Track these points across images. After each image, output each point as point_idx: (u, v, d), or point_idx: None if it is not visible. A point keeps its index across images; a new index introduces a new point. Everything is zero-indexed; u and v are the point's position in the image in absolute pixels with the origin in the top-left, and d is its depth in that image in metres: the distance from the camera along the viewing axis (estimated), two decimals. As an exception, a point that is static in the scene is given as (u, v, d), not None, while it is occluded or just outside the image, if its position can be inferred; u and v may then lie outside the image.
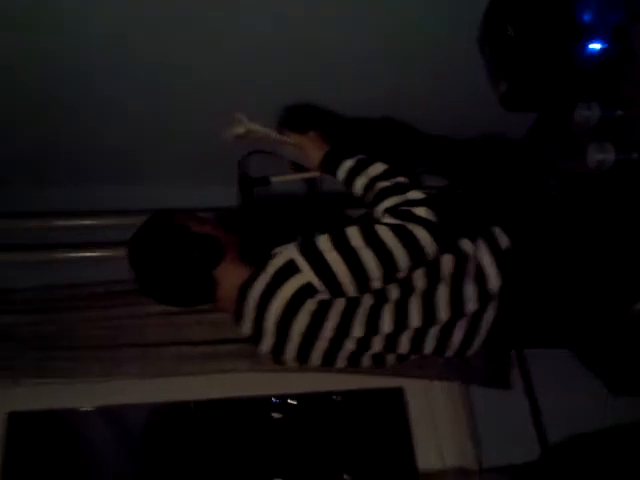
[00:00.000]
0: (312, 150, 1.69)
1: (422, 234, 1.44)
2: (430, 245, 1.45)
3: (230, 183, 1.95)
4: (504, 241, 1.58)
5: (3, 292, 2.11)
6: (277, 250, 1.51)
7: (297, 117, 2.06)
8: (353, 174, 1.60)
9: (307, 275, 1.43)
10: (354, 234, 1.45)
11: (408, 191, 1.51)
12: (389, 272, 1.45)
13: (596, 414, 2.08)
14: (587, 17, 1.43)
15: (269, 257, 1.50)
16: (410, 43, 1.85)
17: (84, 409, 2.16)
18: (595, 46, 1.46)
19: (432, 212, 1.47)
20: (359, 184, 1.59)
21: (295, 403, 2.43)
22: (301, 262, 1.43)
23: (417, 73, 1.99)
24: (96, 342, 2.05)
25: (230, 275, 1.55)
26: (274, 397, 2.41)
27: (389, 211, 1.49)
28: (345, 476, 2.40)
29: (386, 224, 1.46)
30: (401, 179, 1.54)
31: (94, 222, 2.29)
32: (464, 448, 2.09)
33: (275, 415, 2.44)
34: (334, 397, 2.44)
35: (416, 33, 1.82)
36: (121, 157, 2.25)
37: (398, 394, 2.20)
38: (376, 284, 1.46)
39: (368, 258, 1.43)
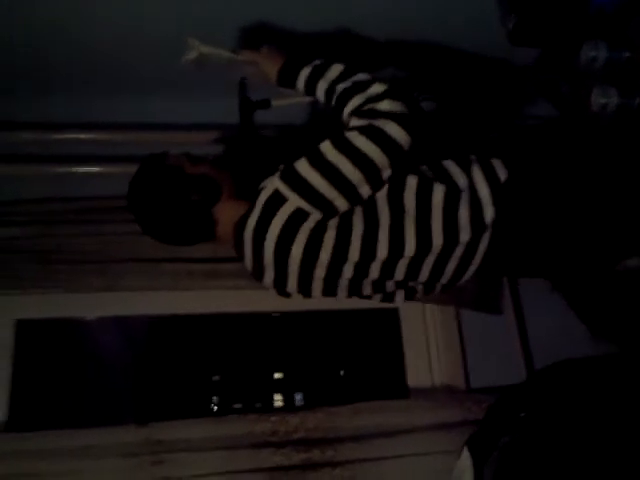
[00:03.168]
0: (268, 66, 1.66)
1: (391, 127, 1.45)
2: (402, 136, 1.45)
3: (231, 97, 1.90)
4: (502, 173, 1.58)
5: (5, 204, 2.13)
6: (263, 184, 1.52)
7: (259, 35, 1.98)
8: (312, 82, 1.58)
9: (294, 201, 1.45)
10: (327, 148, 1.46)
11: (368, 87, 1.50)
12: (371, 174, 1.46)
13: (585, 343, 2.13)
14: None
15: (258, 192, 1.51)
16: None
17: (88, 318, 2.24)
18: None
19: (397, 102, 1.46)
20: (320, 91, 1.58)
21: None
22: (285, 190, 1.45)
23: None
24: (96, 256, 2.09)
25: (227, 212, 1.58)
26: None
27: (354, 113, 1.49)
28: (341, 372, 2.50)
29: (354, 127, 1.46)
30: (360, 76, 1.53)
31: (95, 136, 2.27)
32: (453, 368, 2.18)
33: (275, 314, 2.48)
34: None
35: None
36: (120, 70, 2.19)
37: (393, 314, 2.27)
38: (363, 190, 1.47)
39: (346, 167, 1.44)
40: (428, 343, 2.23)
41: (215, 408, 2.44)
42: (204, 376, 2.44)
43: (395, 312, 2.27)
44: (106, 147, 2.25)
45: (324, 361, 2.52)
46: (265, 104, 1.86)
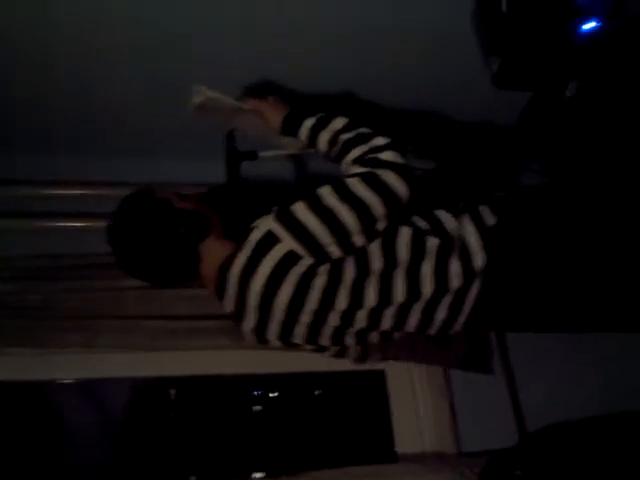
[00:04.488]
0: (272, 114, 1.68)
1: (391, 177, 1.45)
2: (401, 186, 1.46)
3: (218, 157, 1.92)
4: (490, 219, 1.57)
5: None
6: (255, 223, 1.50)
7: (264, 86, 2.02)
8: (315, 131, 1.60)
9: (287, 243, 1.42)
10: (326, 193, 1.46)
11: (372, 139, 1.52)
12: (367, 223, 1.45)
13: (576, 403, 2.08)
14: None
15: (249, 231, 1.48)
16: (399, 14, 1.79)
17: (65, 381, 2.15)
18: (589, 25, 1.45)
19: (398, 154, 1.49)
20: (322, 140, 1.59)
21: (276, 395, 2.42)
22: (279, 231, 1.43)
23: (404, 48, 1.93)
24: (78, 312, 2.04)
25: (213, 251, 1.55)
26: (255, 387, 2.41)
27: (356, 161, 1.50)
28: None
29: (355, 175, 1.47)
30: (363, 129, 1.55)
31: (80, 192, 2.27)
32: (443, 432, 2.10)
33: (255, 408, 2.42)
34: (315, 392, 2.44)
35: (406, 6, 1.77)
36: (108, 129, 2.21)
37: (380, 377, 2.20)
38: (358, 240, 1.46)
39: (344, 213, 1.43)
40: (416, 405, 2.15)
41: None
42: (183, 450, 2.32)
43: (382, 374, 2.20)
44: (89, 203, 2.23)
45: (308, 426, 2.40)
46: (252, 155, 1.87)
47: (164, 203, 1.56)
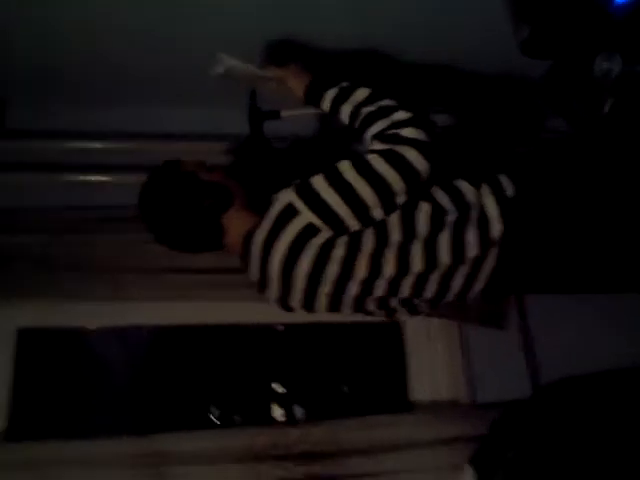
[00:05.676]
0: (294, 83, 1.66)
1: (412, 154, 1.44)
2: (422, 164, 1.45)
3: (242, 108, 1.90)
4: (510, 189, 1.58)
5: (14, 212, 2.12)
6: (276, 196, 1.52)
7: (286, 51, 2.02)
8: (337, 103, 1.59)
9: (306, 216, 1.44)
10: (346, 168, 1.46)
11: (393, 113, 1.50)
12: (386, 198, 1.46)
13: (590, 358, 2.12)
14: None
15: (270, 204, 1.51)
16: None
17: (90, 328, 2.22)
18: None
19: (420, 130, 1.47)
20: (345, 112, 1.58)
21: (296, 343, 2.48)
22: (299, 204, 1.45)
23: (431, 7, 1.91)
24: (101, 265, 2.08)
25: (236, 222, 1.58)
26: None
27: (377, 137, 1.49)
28: (344, 387, 2.48)
29: (376, 151, 1.47)
30: (386, 101, 1.53)
31: (106, 145, 2.28)
32: (458, 383, 2.16)
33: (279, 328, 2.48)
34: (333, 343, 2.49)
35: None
36: (134, 78, 2.20)
37: (397, 328, 2.25)
38: (377, 213, 1.47)
39: (363, 188, 1.44)
40: (432, 357, 2.20)
41: (214, 420, 2.40)
42: (204, 387, 2.41)
43: (398, 326, 2.25)
44: (117, 156, 2.25)
45: (326, 374, 2.48)
46: (274, 115, 1.86)
47: (190, 175, 1.59)
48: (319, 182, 1.46)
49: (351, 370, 2.45)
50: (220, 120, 2.25)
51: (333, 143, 2.12)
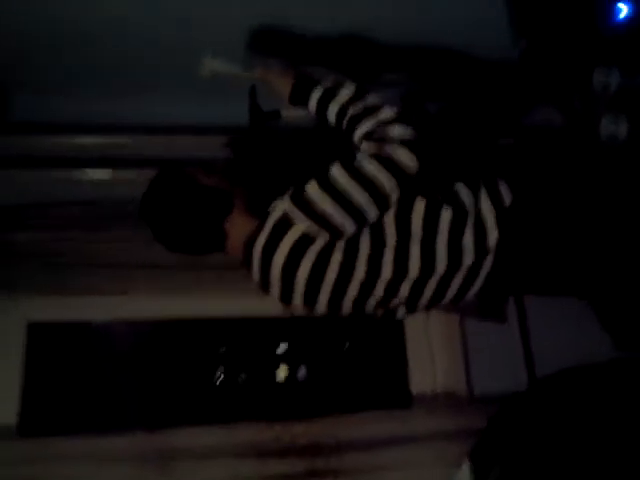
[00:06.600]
0: (279, 84, 1.69)
1: (401, 152, 1.47)
2: (411, 161, 1.48)
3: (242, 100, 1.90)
4: (507, 196, 1.59)
5: (20, 208, 2.14)
6: (273, 205, 1.55)
7: (271, 43, 2.04)
8: (323, 105, 1.61)
9: (303, 224, 1.47)
10: (338, 172, 1.48)
11: (379, 111, 1.52)
12: (379, 199, 1.48)
13: (587, 353, 2.15)
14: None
15: (268, 214, 1.53)
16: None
17: (99, 321, 2.27)
18: (622, 10, 1.40)
19: (406, 127, 1.49)
20: (331, 114, 1.60)
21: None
22: (295, 212, 1.47)
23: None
24: (108, 261, 2.12)
25: (237, 227, 1.60)
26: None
27: (365, 137, 1.51)
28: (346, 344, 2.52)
29: (365, 152, 1.49)
30: (370, 99, 1.56)
31: (110, 140, 2.29)
32: (456, 375, 2.21)
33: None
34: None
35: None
36: (137, 71, 2.21)
37: (397, 322, 2.29)
38: (371, 214, 1.49)
39: (355, 192, 1.46)
40: (431, 350, 2.26)
41: (219, 382, 2.46)
42: (209, 348, 2.45)
43: (399, 321, 2.29)
44: (121, 150, 2.26)
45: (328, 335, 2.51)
46: (275, 115, 1.86)
47: (189, 181, 1.60)
48: (312, 189, 1.48)
49: (352, 364, 2.48)
50: (221, 112, 2.23)
51: (332, 138, 2.14)
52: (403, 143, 1.47)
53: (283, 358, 2.49)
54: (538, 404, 2.05)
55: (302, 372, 2.45)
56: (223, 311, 2.25)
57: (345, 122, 1.57)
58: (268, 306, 2.09)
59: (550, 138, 2.18)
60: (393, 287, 1.58)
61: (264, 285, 1.61)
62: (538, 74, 2.04)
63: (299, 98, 1.65)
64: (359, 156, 1.49)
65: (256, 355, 2.46)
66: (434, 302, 1.65)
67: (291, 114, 1.88)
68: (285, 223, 1.49)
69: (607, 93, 1.51)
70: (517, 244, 1.58)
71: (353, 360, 2.47)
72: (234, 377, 2.42)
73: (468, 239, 1.54)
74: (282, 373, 2.47)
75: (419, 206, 1.54)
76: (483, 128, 2.28)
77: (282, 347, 2.53)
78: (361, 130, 1.52)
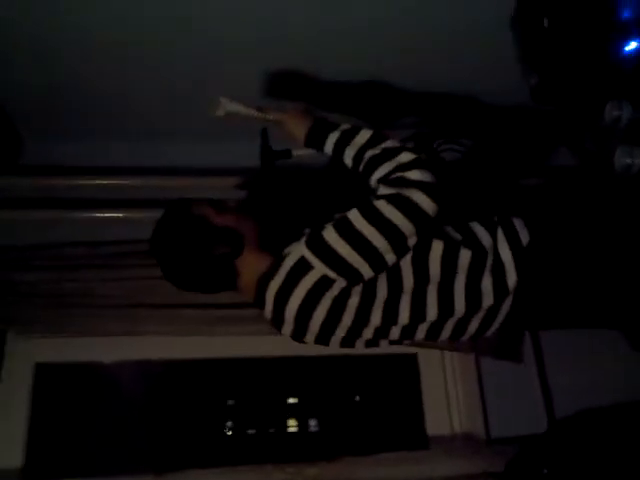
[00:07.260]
0: (294, 127, 1.66)
1: (419, 197, 1.43)
2: (430, 205, 1.44)
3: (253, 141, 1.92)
4: (524, 236, 1.57)
5: (27, 249, 2.15)
6: (287, 250, 1.52)
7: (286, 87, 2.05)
8: (340, 147, 1.58)
9: (320, 269, 1.44)
10: (355, 217, 1.45)
11: (397, 155, 1.49)
12: (397, 243, 1.45)
13: (605, 393, 2.11)
14: (626, 14, 1.37)
15: (283, 256, 1.50)
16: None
17: (106, 362, 2.24)
18: (632, 45, 1.40)
19: (425, 171, 1.46)
20: (348, 157, 1.57)
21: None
22: (311, 257, 1.44)
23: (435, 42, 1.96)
24: (116, 301, 2.10)
25: (250, 265, 1.57)
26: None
27: (382, 181, 1.48)
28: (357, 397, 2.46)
29: (382, 196, 1.45)
30: (389, 143, 1.53)
31: (118, 181, 2.31)
32: (473, 417, 2.16)
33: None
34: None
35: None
36: (145, 115, 2.25)
37: (412, 360, 2.25)
38: (389, 259, 1.46)
39: (373, 237, 1.43)
40: (447, 390, 2.22)
41: (229, 433, 2.40)
42: (218, 400, 2.40)
43: (414, 358, 2.25)
44: (129, 192, 2.28)
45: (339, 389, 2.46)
46: (286, 154, 1.86)
47: (200, 221, 1.58)
48: (330, 234, 1.45)
49: (367, 404, 2.43)
50: (231, 154, 2.27)
51: (344, 180, 2.14)
52: (422, 187, 1.44)
53: (293, 412, 2.44)
54: (557, 448, 2.01)
55: (313, 424, 2.40)
56: (233, 351, 2.22)
57: (362, 165, 1.54)
58: (279, 346, 2.13)
59: (565, 176, 2.18)
60: (409, 330, 1.56)
61: (277, 324, 1.58)
62: (550, 109, 2.06)
63: (316, 140, 1.62)
64: (376, 200, 1.46)
65: (265, 408, 2.41)
66: (452, 339, 1.62)
67: (301, 153, 1.89)
68: (302, 267, 1.45)
69: (619, 126, 1.50)
70: (536, 284, 1.56)
71: (366, 407, 2.41)
72: (243, 430, 2.36)
73: (487, 282, 1.52)
74: (292, 427, 2.42)
75: (437, 248, 1.52)
76: (497, 169, 2.29)
77: (292, 401, 2.49)
78: (379, 173, 1.49)
